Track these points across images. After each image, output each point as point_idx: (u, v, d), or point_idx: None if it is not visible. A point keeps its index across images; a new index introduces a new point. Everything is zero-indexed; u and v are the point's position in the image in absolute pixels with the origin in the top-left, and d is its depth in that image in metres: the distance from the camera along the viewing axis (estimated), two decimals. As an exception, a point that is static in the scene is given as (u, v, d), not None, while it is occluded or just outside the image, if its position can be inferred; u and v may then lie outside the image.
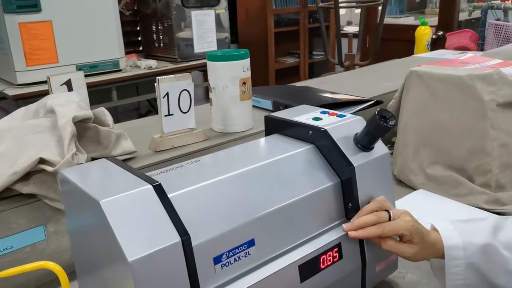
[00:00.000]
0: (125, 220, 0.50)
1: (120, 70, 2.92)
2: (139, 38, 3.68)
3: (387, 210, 0.68)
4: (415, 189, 1.10)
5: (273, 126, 0.80)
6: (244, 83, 1.05)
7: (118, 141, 0.90)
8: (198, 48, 3.60)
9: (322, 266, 0.66)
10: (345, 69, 2.13)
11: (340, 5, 2.07)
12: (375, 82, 1.60)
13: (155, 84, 0.96)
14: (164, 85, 0.95)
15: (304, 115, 0.78)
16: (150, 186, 0.54)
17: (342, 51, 2.11)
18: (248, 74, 1.06)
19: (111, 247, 0.49)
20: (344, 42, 2.42)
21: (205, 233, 0.55)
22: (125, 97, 3.11)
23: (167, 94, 0.96)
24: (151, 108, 3.80)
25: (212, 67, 1.04)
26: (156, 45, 3.53)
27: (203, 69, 3.62)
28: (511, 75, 1.01)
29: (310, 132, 0.73)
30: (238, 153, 0.72)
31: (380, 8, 4.15)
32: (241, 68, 1.04)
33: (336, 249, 0.67)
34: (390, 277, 0.79)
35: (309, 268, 0.64)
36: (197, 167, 0.65)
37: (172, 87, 0.96)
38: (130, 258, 0.48)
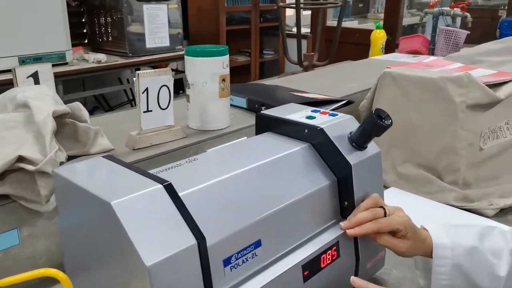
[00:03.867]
0: (139, 222, 0.47)
1: (66, 63, 2.77)
2: (85, 31, 3.50)
3: (381, 207, 0.69)
4: (387, 187, 1.14)
5: (265, 124, 0.78)
6: (224, 80, 1.03)
7: (95, 138, 0.85)
8: (150, 43, 3.49)
9: (322, 265, 0.66)
10: (304, 69, 2.16)
11: (301, 5, 2.09)
12: (339, 82, 1.63)
13: (134, 78, 0.91)
14: (144, 80, 0.91)
15: (296, 113, 0.77)
16: (161, 185, 0.51)
17: (301, 51, 2.13)
18: (227, 70, 1.04)
19: (124, 251, 0.46)
20: (302, 43, 2.45)
21: (216, 234, 0.53)
22: (71, 92, 2.96)
23: (147, 89, 0.92)
24: (98, 104, 3.64)
25: (192, 62, 1.01)
26: (105, 38, 3.38)
27: (154, 65, 3.53)
28: (478, 78, 1.07)
29: (306, 130, 0.72)
30: (236, 151, 0.70)
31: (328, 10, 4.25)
32: (222, 64, 1.01)
33: (334, 248, 0.68)
34: (377, 273, 0.80)
35: (311, 267, 0.64)
36: (198, 166, 0.63)
37: (152, 82, 0.92)
38: (148, 263, 0.45)
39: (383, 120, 0.69)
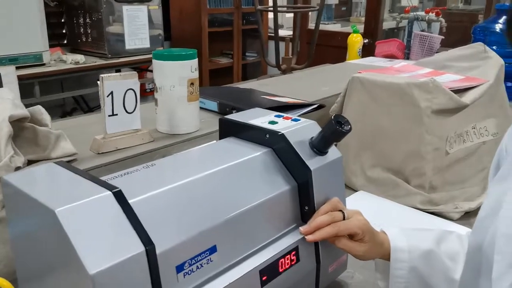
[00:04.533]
0: (84, 230, 0.46)
1: (43, 64, 2.73)
2: (64, 31, 3.46)
3: (340, 210, 0.70)
4: (356, 191, 1.15)
5: (228, 129, 0.78)
6: (192, 83, 1.03)
7: (57, 142, 0.84)
8: (129, 44, 3.47)
9: (280, 270, 0.66)
10: (282, 72, 2.17)
11: (279, 9, 2.10)
12: (314, 86, 1.64)
13: (98, 82, 0.91)
14: (108, 83, 0.90)
15: (259, 118, 0.78)
16: (110, 192, 0.50)
17: (279, 54, 2.14)
18: (196, 74, 1.03)
19: (69, 259, 0.45)
20: (281, 46, 2.46)
21: (168, 240, 0.53)
22: (48, 93, 2.92)
23: (111, 93, 0.91)
24: (77, 106, 3.60)
25: (159, 66, 1.01)
26: (84, 39, 3.35)
27: (134, 66, 3.50)
28: (445, 84, 1.09)
29: (267, 135, 0.73)
30: (196, 156, 0.70)
31: (310, 14, 4.28)
32: (190, 68, 1.01)
33: (293, 252, 0.68)
34: (340, 277, 0.81)
35: (269, 272, 0.64)
36: (154, 171, 0.62)
37: (117, 85, 0.91)
38: (91, 271, 0.44)
39: (343, 126, 0.69)
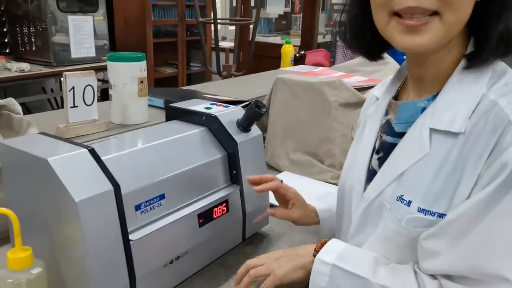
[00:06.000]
0: (69, 173, 0.65)
1: (-13, 72, 2.78)
2: (6, 40, 3.48)
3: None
4: (282, 171, 1.38)
5: (173, 114, 0.99)
6: (142, 81, 1.22)
7: (27, 128, 1.00)
8: (75, 54, 3.56)
9: (214, 216, 0.87)
10: (223, 78, 2.39)
11: (218, 21, 2.33)
12: (249, 88, 1.88)
13: (61, 79, 1.08)
14: (70, 79, 1.07)
15: (198, 105, 0.99)
16: (86, 149, 0.69)
17: (220, 62, 2.36)
18: (145, 74, 1.23)
19: (58, 193, 0.64)
20: (222, 55, 2.69)
21: (130, 186, 0.72)
22: (-7, 101, 2.94)
23: (73, 88, 1.09)
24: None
25: (113, 67, 1.19)
26: (28, 48, 3.40)
27: (80, 75, 3.57)
28: (350, 83, 1.36)
29: (204, 117, 0.94)
30: (149, 132, 0.90)
31: (251, 26, 4.56)
32: (139, 68, 1.20)
33: (224, 204, 0.89)
34: (263, 229, 1.03)
35: (205, 217, 0.85)
36: (118, 141, 0.81)
37: (78, 81, 1.09)
38: (77, 199, 0.63)
39: (260, 109, 0.92)
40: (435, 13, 0.59)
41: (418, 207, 0.64)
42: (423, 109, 0.67)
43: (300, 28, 6.78)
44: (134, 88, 1.21)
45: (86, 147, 0.70)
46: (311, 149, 1.35)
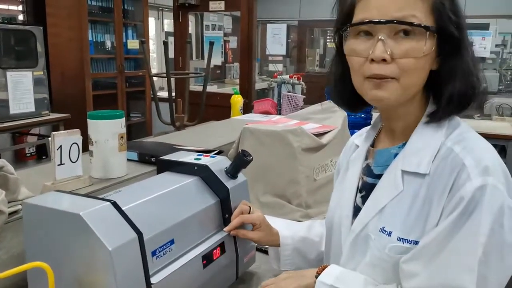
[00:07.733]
0: (100, 224, 0.72)
1: None
2: None
3: (249, 207, 1.03)
4: (253, 214, 1.49)
5: (164, 166, 1.07)
6: (122, 137, 1.29)
7: (20, 187, 1.03)
8: (14, 109, 3.48)
9: (214, 257, 0.95)
10: (176, 129, 2.48)
11: (171, 74, 2.45)
12: (209, 138, 1.99)
13: (49, 138, 1.12)
14: (58, 139, 1.13)
15: (188, 157, 1.08)
16: (109, 203, 0.76)
17: (174, 113, 2.46)
18: (124, 130, 1.30)
19: (92, 243, 0.70)
20: (165, 105, 2.78)
21: (148, 233, 0.80)
22: None
23: (60, 146, 1.14)
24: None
25: (95, 124, 1.26)
26: (-38, 104, 3.27)
27: (15, 131, 3.47)
28: (308, 130, 1.52)
29: (196, 167, 1.04)
30: (149, 184, 0.97)
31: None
32: (120, 125, 1.28)
33: (221, 246, 0.98)
34: (251, 268, 1.12)
35: (207, 258, 0.93)
36: (126, 193, 0.89)
37: (65, 140, 1.14)
38: (110, 248, 0.70)
39: (247, 157, 1.04)
40: (393, 78, 0.76)
41: (398, 237, 0.78)
42: (396, 155, 0.82)
43: (235, 76, 7.09)
44: (115, 144, 1.27)
45: (108, 200, 0.77)
46: (279, 191, 1.48)
